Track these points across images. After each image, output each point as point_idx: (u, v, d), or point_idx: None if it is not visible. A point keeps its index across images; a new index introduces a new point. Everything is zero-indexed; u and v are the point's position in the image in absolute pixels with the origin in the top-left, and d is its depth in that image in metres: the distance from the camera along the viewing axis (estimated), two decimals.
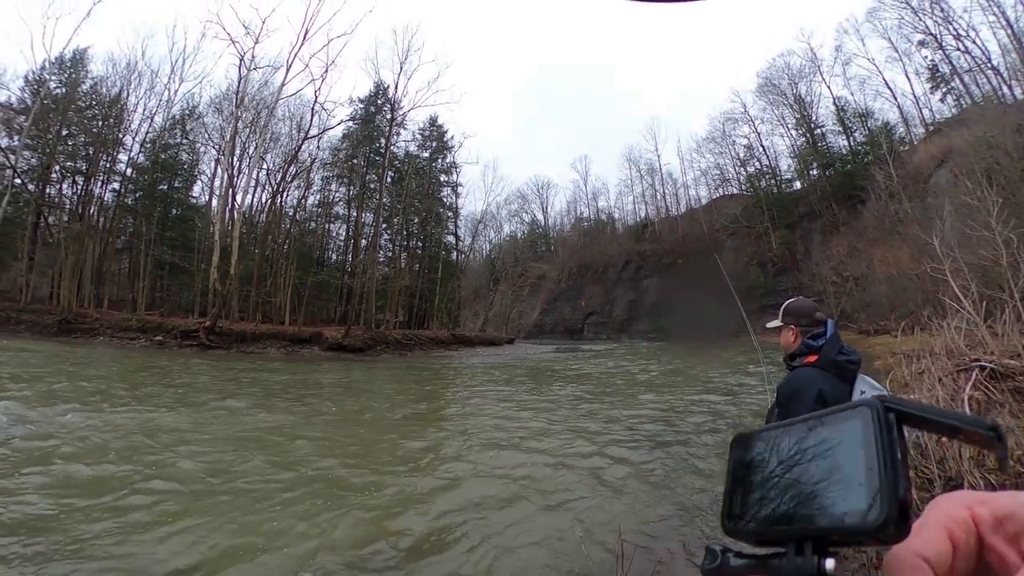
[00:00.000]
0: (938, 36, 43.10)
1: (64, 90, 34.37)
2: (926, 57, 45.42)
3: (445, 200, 48.07)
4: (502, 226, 77.01)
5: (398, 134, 40.93)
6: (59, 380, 12.28)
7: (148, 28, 57.36)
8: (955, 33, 41.56)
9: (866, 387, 2.48)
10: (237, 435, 8.27)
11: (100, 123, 35.64)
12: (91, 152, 34.71)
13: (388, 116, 39.57)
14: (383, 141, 39.61)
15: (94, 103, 36.22)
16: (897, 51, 47.06)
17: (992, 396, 6.03)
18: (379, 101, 41.24)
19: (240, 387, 14.02)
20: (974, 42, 40.53)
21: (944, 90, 44.68)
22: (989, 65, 39.82)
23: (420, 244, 45.83)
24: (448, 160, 47.43)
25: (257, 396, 12.47)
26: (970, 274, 9.98)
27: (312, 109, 34.26)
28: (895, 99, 48.68)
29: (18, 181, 31.15)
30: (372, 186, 39.59)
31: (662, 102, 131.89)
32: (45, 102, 31.87)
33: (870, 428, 0.41)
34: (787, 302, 2.74)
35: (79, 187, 35.48)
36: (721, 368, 19.76)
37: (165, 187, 37.41)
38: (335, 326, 33.08)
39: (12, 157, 30.70)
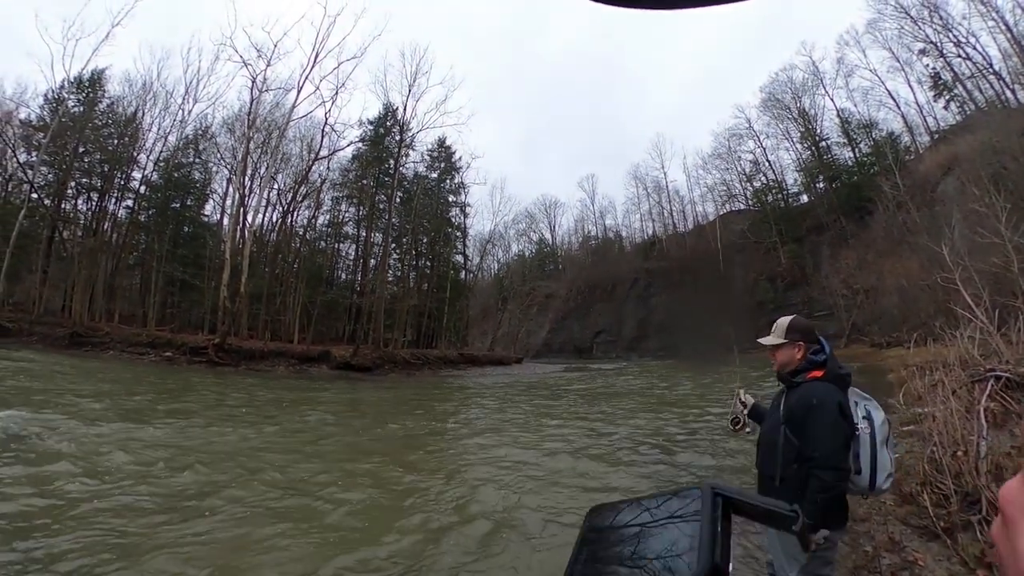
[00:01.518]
0: (938, 44, 42.96)
1: (81, 109, 34.98)
2: (928, 65, 45.26)
3: (453, 220, 48.20)
4: (510, 245, 77.13)
5: (407, 155, 41.26)
6: (126, 397, 12.80)
7: (164, 50, 57.99)
8: (955, 40, 41.47)
9: (857, 398, 2.56)
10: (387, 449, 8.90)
11: (116, 141, 36.27)
12: (106, 169, 35.27)
13: (397, 138, 39.86)
14: (392, 162, 39.91)
15: (110, 122, 36.91)
16: (899, 60, 46.91)
17: (1009, 407, 5.91)
18: (388, 123, 41.58)
19: (310, 405, 14.38)
20: (975, 48, 40.45)
21: (947, 97, 44.35)
22: (991, 70, 39.68)
23: (429, 264, 45.94)
24: (456, 180, 47.72)
25: (337, 414, 12.97)
26: (981, 282, 9.89)
27: (322, 130, 34.67)
28: (899, 108, 48.46)
29: (35, 196, 31.73)
30: (381, 206, 39.80)
31: (666, 119, 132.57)
32: (63, 120, 32.40)
33: (701, 508, 0.44)
34: (789, 320, 2.76)
35: (94, 203, 36.22)
36: (739, 382, 19.62)
37: (177, 205, 37.79)
38: (343, 345, 33.05)
39: (30, 172, 31.37)
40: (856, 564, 3.82)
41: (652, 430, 10.63)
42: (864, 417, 2.48)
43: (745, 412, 3.01)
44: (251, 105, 33.04)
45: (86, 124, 34.12)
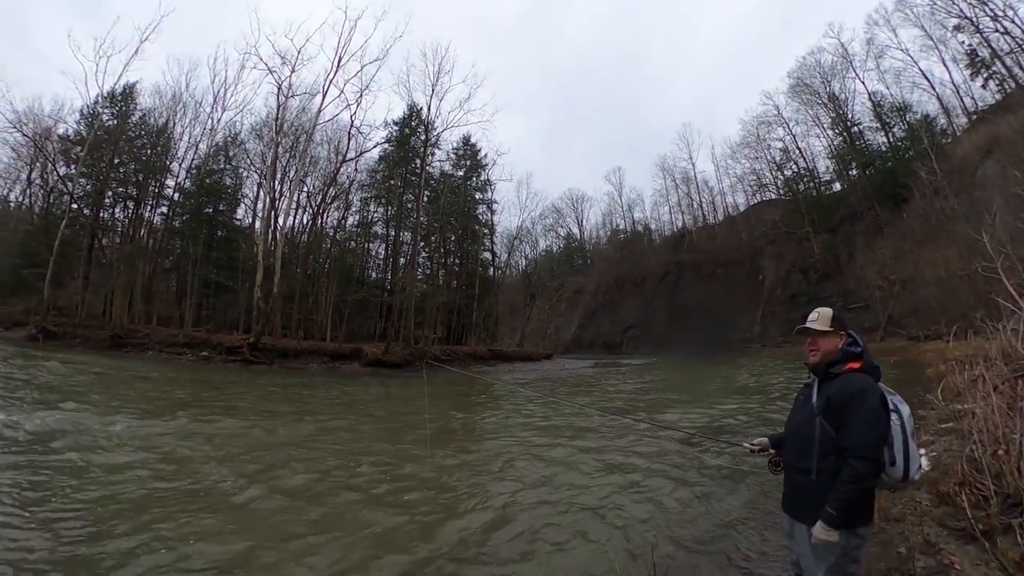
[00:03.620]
0: (974, 19, 40.68)
1: (116, 122, 36.10)
2: (963, 42, 43.01)
3: (481, 217, 48.35)
4: (537, 241, 76.59)
5: (433, 154, 41.42)
6: (240, 400, 13.96)
7: (191, 62, 59.25)
8: (992, 14, 39.28)
9: (884, 392, 2.53)
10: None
11: (149, 151, 37.34)
12: (141, 178, 36.40)
13: (422, 137, 40.09)
14: (418, 162, 40.15)
15: (143, 133, 37.98)
16: (932, 39, 44.64)
17: None
18: (413, 123, 41.75)
19: (417, 399, 15.10)
20: (1013, 21, 38.20)
21: (985, 75, 42.10)
22: None
23: (457, 261, 46.17)
24: (482, 178, 47.81)
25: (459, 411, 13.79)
26: None
27: (349, 133, 35.13)
28: (933, 89, 46.16)
29: (75, 206, 33.06)
30: (409, 206, 40.08)
31: (692, 108, 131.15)
32: (99, 133, 33.51)
33: None
34: (832, 310, 2.76)
35: (130, 211, 37.42)
36: (781, 373, 19.93)
37: (210, 210, 38.65)
38: (375, 342, 33.45)
39: (70, 184, 32.62)
40: (889, 566, 3.73)
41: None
42: (893, 410, 2.47)
43: (769, 450, 3.05)
44: (278, 111, 33.61)
45: (120, 136, 35.21)
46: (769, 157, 61.17)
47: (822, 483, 2.47)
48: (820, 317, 2.72)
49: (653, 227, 79.78)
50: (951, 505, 4.24)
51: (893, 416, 2.46)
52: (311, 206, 39.51)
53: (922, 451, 5.74)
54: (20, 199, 44.17)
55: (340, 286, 37.03)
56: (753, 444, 3.12)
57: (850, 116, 51.72)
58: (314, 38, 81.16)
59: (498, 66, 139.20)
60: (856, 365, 2.58)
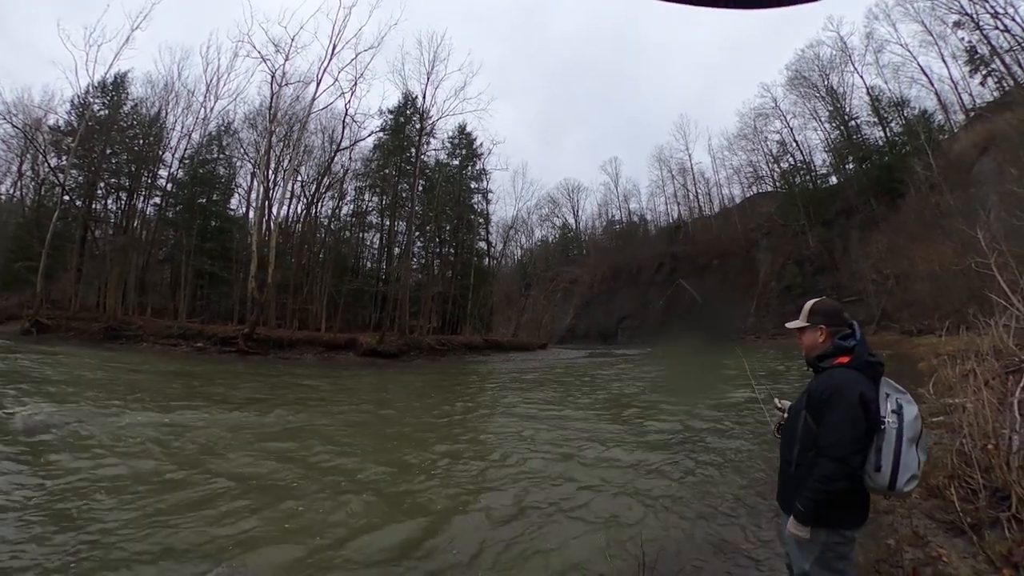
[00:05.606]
0: (974, 15, 40.46)
1: (107, 112, 35.91)
2: (962, 39, 42.83)
3: (476, 207, 47.97)
4: (533, 231, 76.41)
5: (428, 143, 41.16)
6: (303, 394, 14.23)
7: (183, 50, 58.60)
8: (992, 11, 38.98)
9: (889, 390, 2.39)
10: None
11: (141, 142, 37.09)
12: (133, 169, 36.11)
13: (417, 126, 39.87)
14: (413, 151, 39.87)
15: (135, 123, 37.69)
16: (931, 34, 44.49)
17: None
18: (408, 112, 41.48)
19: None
20: (1013, 19, 37.91)
21: (984, 72, 41.96)
22: None
23: (452, 251, 45.96)
24: (478, 167, 47.45)
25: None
26: (1018, 268, 9.52)
27: (343, 122, 34.91)
28: (932, 85, 45.98)
29: (67, 198, 32.77)
30: (404, 195, 39.93)
31: (690, 99, 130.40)
32: (90, 124, 33.26)
33: None
34: (812, 302, 2.70)
35: (123, 202, 37.18)
36: (782, 362, 21.21)
37: (204, 200, 38.42)
38: (370, 332, 33.37)
39: (61, 176, 32.36)
40: (878, 557, 3.76)
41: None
42: (894, 411, 2.28)
43: (785, 416, 2.90)
44: (271, 99, 33.36)
45: (112, 126, 35.02)
46: (766, 149, 61.12)
47: (800, 477, 2.44)
48: (802, 312, 2.68)
49: (649, 218, 79.78)
50: (940, 498, 4.27)
51: (891, 418, 2.27)
52: (305, 195, 39.39)
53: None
54: (11, 191, 43.95)
55: (335, 276, 36.83)
56: (781, 403, 3.00)
57: (848, 110, 51.76)
58: (308, 25, 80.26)
59: (494, 55, 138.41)
60: (844, 360, 2.46)
